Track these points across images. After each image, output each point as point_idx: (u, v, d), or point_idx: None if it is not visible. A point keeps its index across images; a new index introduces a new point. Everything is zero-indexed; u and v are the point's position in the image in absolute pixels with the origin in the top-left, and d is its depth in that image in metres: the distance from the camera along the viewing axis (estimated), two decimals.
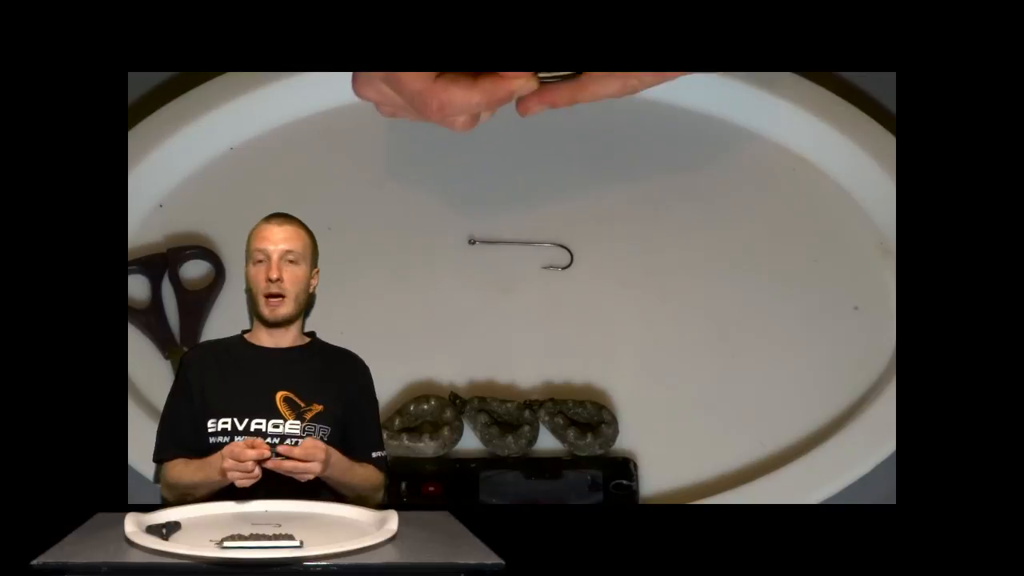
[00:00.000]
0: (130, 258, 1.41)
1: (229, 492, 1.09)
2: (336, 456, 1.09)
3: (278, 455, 1.07)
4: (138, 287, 1.41)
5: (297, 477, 1.07)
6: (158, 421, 1.16)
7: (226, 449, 1.07)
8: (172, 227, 1.46)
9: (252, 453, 1.06)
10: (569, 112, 1.56)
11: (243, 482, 1.06)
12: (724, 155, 1.53)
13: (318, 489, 1.10)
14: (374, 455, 1.14)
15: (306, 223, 1.18)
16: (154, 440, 1.15)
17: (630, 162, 1.53)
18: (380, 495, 1.15)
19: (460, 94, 1.24)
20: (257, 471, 1.06)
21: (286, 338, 1.16)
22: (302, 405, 1.12)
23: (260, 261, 1.14)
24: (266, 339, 1.16)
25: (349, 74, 1.53)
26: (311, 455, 1.07)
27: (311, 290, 1.17)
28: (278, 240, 1.14)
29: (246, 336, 1.17)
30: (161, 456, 1.13)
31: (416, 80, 1.25)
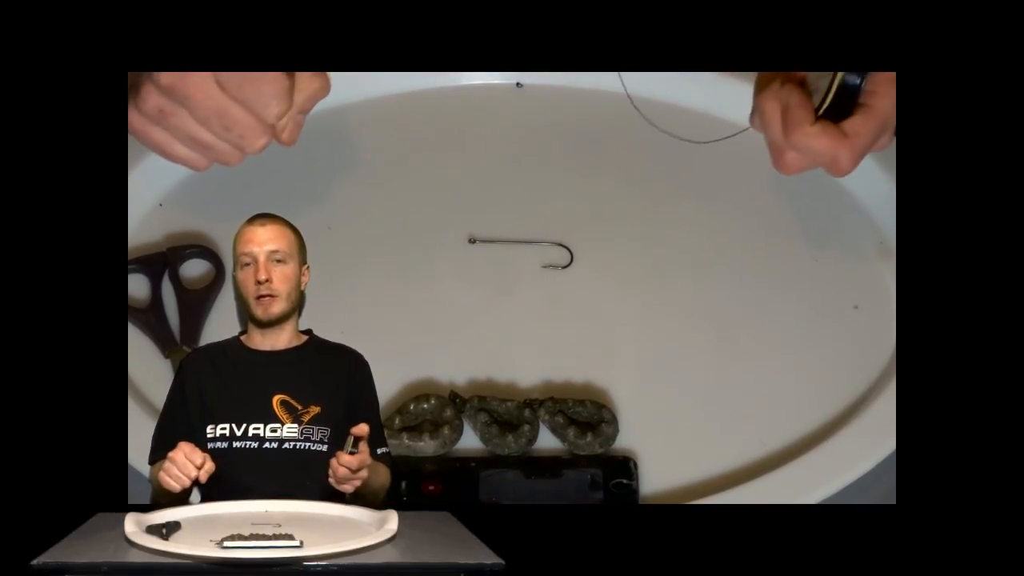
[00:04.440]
0: (130, 257, 1.41)
1: (227, 492, 1.09)
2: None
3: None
4: (138, 286, 1.41)
5: (339, 487, 1.06)
6: (157, 421, 1.16)
7: (173, 453, 1.05)
8: (172, 226, 1.46)
9: (194, 468, 1.05)
10: (569, 112, 1.57)
11: (173, 485, 1.05)
12: (724, 154, 1.53)
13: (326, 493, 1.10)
14: (379, 451, 1.14)
15: (306, 223, 1.18)
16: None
17: (630, 162, 1.53)
18: (385, 491, 1.15)
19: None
20: (187, 480, 1.04)
21: (281, 339, 1.16)
22: (299, 408, 1.11)
23: (247, 264, 1.14)
24: (261, 341, 1.16)
25: (349, 74, 1.54)
26: (363, 465, 1.06)
27: (302, 287, 1.17)
28: (263, 241, 1.14)
29: (242, 339, 1.17)
30: (152, 461, 1.13)
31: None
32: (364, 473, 1.06)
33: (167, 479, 1.05)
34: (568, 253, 1.44)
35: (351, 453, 1.05)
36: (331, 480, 1.07)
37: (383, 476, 1.13)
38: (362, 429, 1.06)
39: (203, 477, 1.04)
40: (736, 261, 1.43)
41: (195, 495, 1.09)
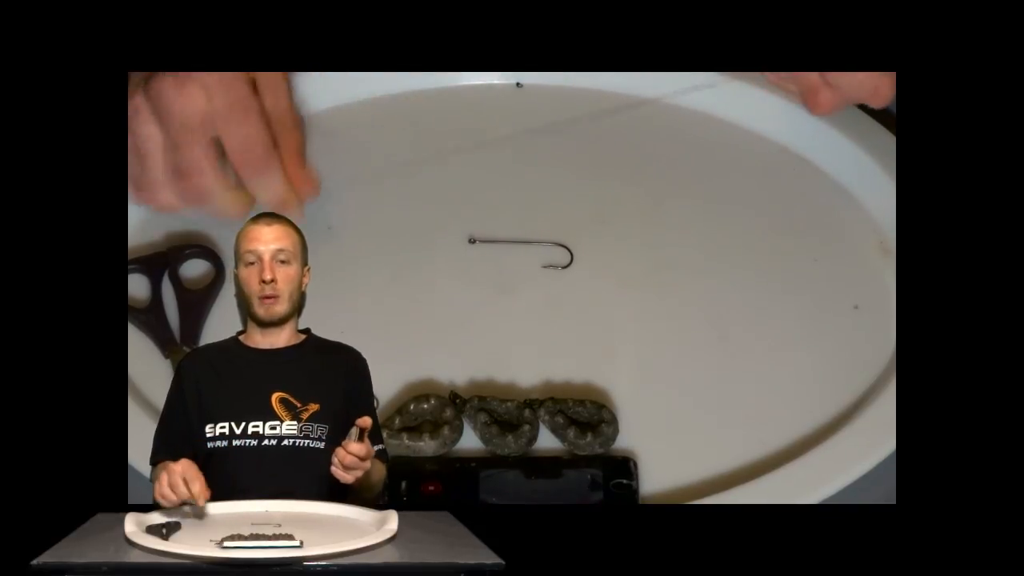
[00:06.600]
0: (130, 258, 1.41)
1: (227, 489, 1.09)
2: None
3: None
4: (138, 286, 1.41)
5: (343, 476, 1.06)
6: (157, 422, 1.16)
7: (165, 477, 1.03)
8: (172, 226, 1.46)
9: (187, 494, 1.03)
10: (569, 112, 1.57)
11: (172, 499, 1.03)
12: (724, 155, 1.53)
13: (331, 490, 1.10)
14: (376, 448, 1.14)
15: (307, 223, 1.18)
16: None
17: (630, 162, 1.53)
18: (382, 488, 1.15)
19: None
20: (176, 500, 1.03)
21: (280, 338, 1.15)
22: (298, 405, 1.11)
23: (252, 263, 1.14)
24: (260, 340, 1.15)
25: (349, 74, 1.54)
26: (369, 454, 1.06)
27: (303, 288, 1.17)
28: (269, 240, 1.14)
29: (240, 338, 1.17)
30: (153, 462, 1.13)
31: None
32: (368, 464, 1.06)
33: (163, 490, 1.03)
34: (568, 253, 1.44)
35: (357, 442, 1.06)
36: (334, 469, 1.06)
37: (381, 472, 1.13)
38: (366, 421, 1.06)
39: (201, 500, 1.03)
40: (736, 261, 1.43)
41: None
